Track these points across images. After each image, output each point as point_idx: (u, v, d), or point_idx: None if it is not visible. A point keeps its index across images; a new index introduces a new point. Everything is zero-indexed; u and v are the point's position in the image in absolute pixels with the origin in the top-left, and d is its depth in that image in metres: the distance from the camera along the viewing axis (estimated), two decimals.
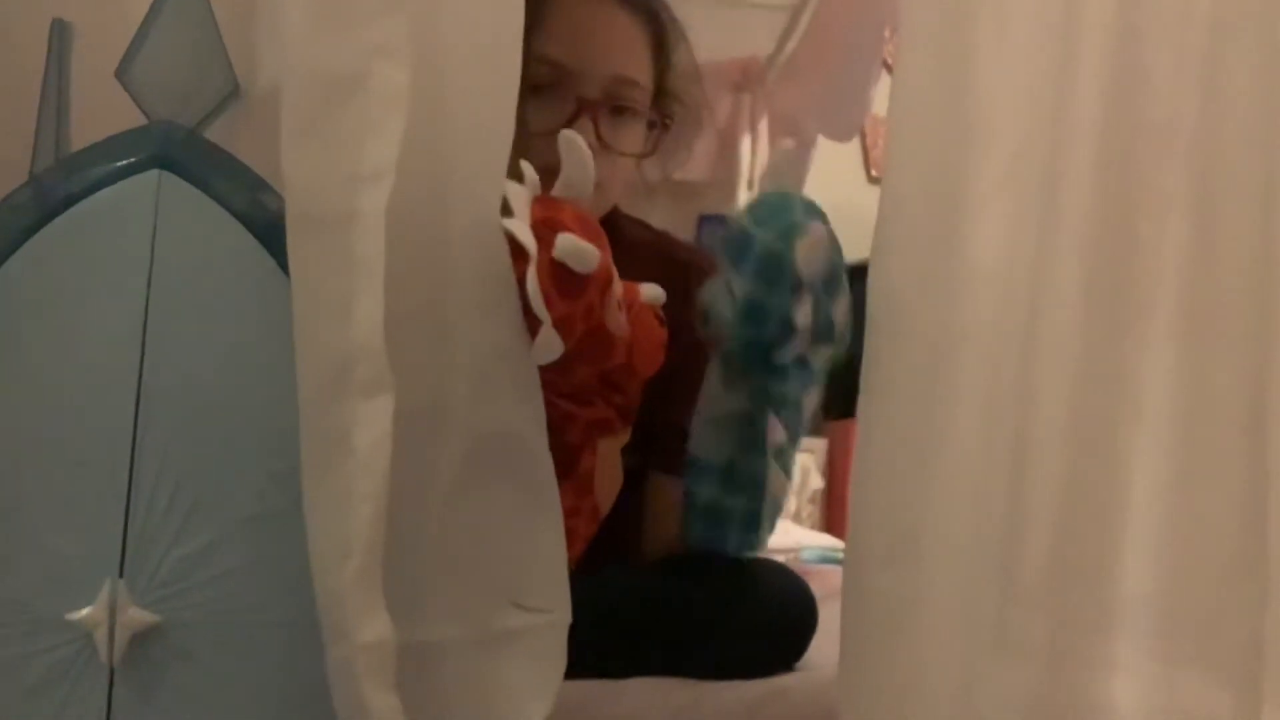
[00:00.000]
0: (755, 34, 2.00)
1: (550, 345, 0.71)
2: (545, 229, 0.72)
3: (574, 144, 0.75)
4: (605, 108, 1.05)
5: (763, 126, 2.10)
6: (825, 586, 1.07)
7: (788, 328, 0.84)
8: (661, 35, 1.13)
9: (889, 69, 1.78)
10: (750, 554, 0.95)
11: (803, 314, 0.83)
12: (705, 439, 0.94)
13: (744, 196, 2.18)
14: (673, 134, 1.15)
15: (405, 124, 0.64)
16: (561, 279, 0.72)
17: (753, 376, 0.89)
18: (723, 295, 0.86)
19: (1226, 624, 0.70)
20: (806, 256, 0.83)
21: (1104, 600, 0.71)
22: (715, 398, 0.92)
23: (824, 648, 0.98)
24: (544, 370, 0.73)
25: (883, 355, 0.74)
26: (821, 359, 0.88)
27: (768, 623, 0.96)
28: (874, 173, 3.10)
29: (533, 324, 0.71)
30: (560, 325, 0.71)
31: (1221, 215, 0.72)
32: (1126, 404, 0.71)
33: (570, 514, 0.78)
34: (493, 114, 0.70)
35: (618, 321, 0.78)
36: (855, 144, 2.99)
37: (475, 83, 0.69)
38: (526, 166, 0.75)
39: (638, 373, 0.85)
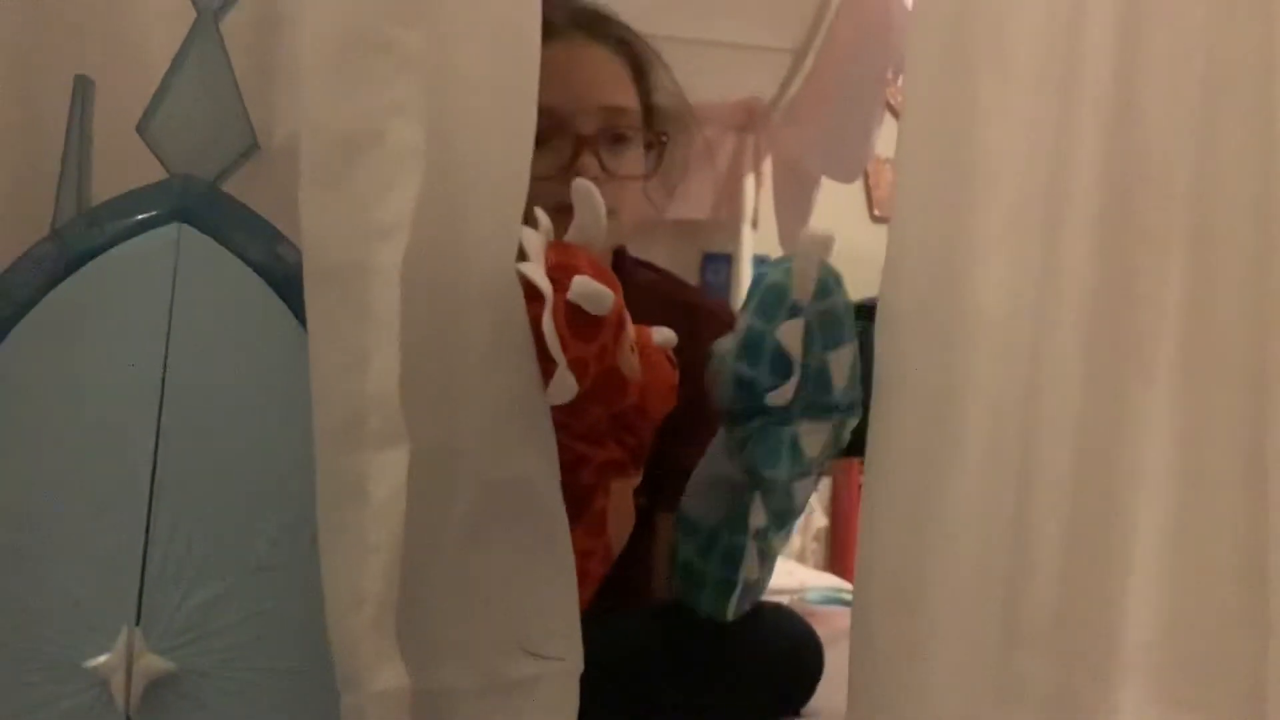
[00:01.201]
0: (758, 75, 2.03)
1: (565, 386, 0.73)
2: (560, 273, 0.74)
3: (587, 192, 0.77)
4: (603, 140, 1.10)
5: (766, 167, 2.12)
6: (830, 629, 1.07)
7: (782, 359, 0.81)
8: (637, 60, 1.18)
9: (893, 111, 1.80)
10: (720, 619, 0.92)
11: (792, 339, 0.80)
12: (696, 499, 0.93)
13: (747, 236, 2.20)
14: (669, 150, 1.20)
15: (420, 180, 0.65)
16: (576, 321, 0.73)
17: (743, 430, 0.86)
18: (729, 339, 0.86)
19: (1229, 669, 0.71)
20: (799, 280, 0.81)
21: (1107, 646, 0.71)
22: (715, 462, 0.91)
23: (829, 692, 0.98)
24: (557, 412, 0.74)
25: (890, 404, 0.75)
26: (817, 441, 0.84)
27: (775, 669, 0.96)
28: (877, 213, 3.12)
29: (547, 366, 0.73)
30: (574, 366, 0.73)
31: (1219, 259, 0.73)
32: (1127, 450, 0.72)
33: (583, 555, 0.79)
34: (507, 165, 0.72)
35: (630, 364, 0.80)
36: (859, 185, 3.01)
37: (490, 135, 0.71)
38: (540, 214, 0.77)
39: (650, 414, 0.86)
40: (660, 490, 1.05)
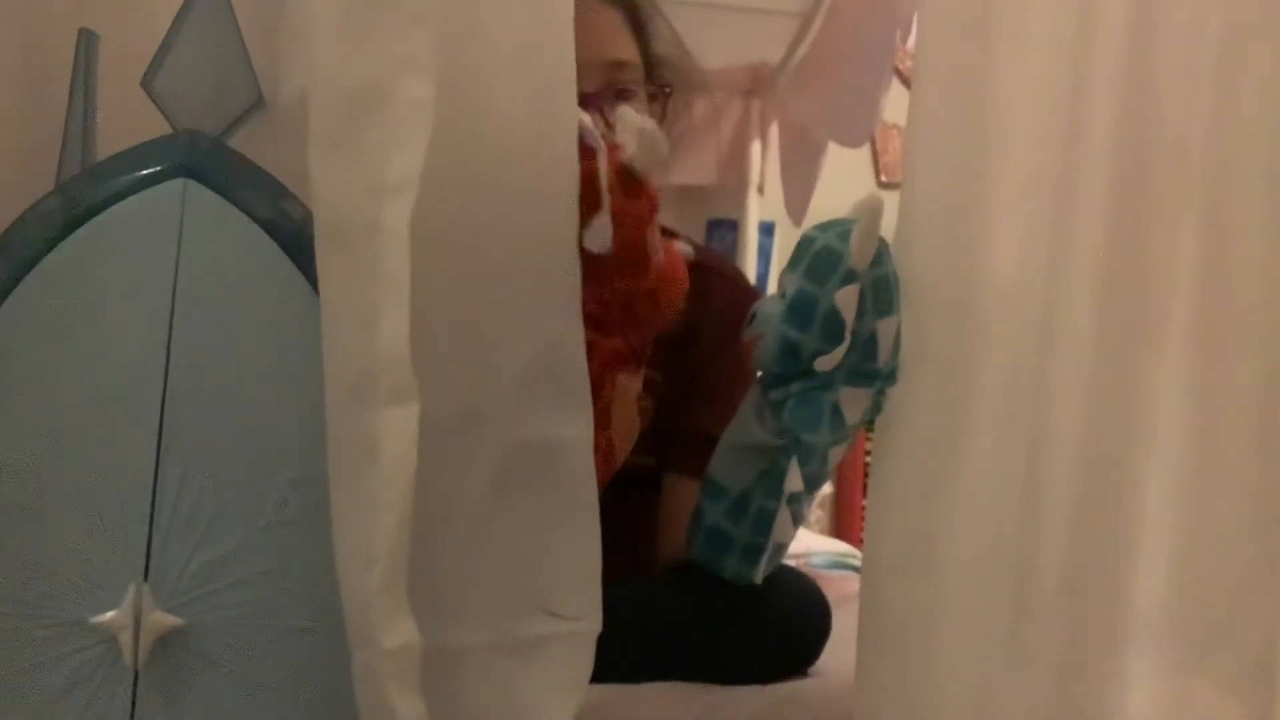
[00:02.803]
0: (765, 40, 2.01)
1: (603, 233, 0.75)
2: (610, 143, 0.78)
3: (636, 124, 0.80)
4: (607, 95, 1.08)
5: (772, 132, 2.11)
6: (836, 592, 1.08)
7: (834, 324, 0.80)
8: (635, 13, 1.16)
9: (900, 76, 1.79)
10: (745, 582, 0.93)
11: (848, 304, 0.79)
12: (725, 464, 0.93)
13: (753, 201, 2.19)
14: (674, 99, 1.18)
15: (430, 136, 0.64)
16: (623, 180, 0.77)
17: (782, 392, 0.85)
18: (774, 302, 0.85)
19: (1238, 634, 0.71)
20: (861, 246, 0.79)
21: (1117, 611, 0.72)
22: (745, 425, 0.91)
23: (837, 653, 0.98)
24: None
25: (901, 371, 0.75)
26: (858, 408, 0.83)
27: (784, 628, 0.96)
28: (884, 178, 3.10)
29: (587, 216, 0.75)
30: (615, 218, 0.75)
31: (1232, 229, 0.73)
32: (1139, 417, 0.72)
33: None
34: (548, 115, 0.71)
35: (656, 245, 0.82)
36: (866, 150, 3.00)
37: (522, 85, 0.70)
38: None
39: (660, 304, 0.86)
40: (669, 451, 1.05)
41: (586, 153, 0.76)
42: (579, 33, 1.09)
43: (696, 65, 1.27)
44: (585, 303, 0.75)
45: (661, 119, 1.16)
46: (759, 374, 0.88)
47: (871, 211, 0.79)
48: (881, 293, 0.80)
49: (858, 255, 0.79)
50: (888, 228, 0.81)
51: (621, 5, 1.15)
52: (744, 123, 2.12)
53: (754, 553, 0.92)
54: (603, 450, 0.87)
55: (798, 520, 0.92)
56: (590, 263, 0.76)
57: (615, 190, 0.76)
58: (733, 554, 0.92)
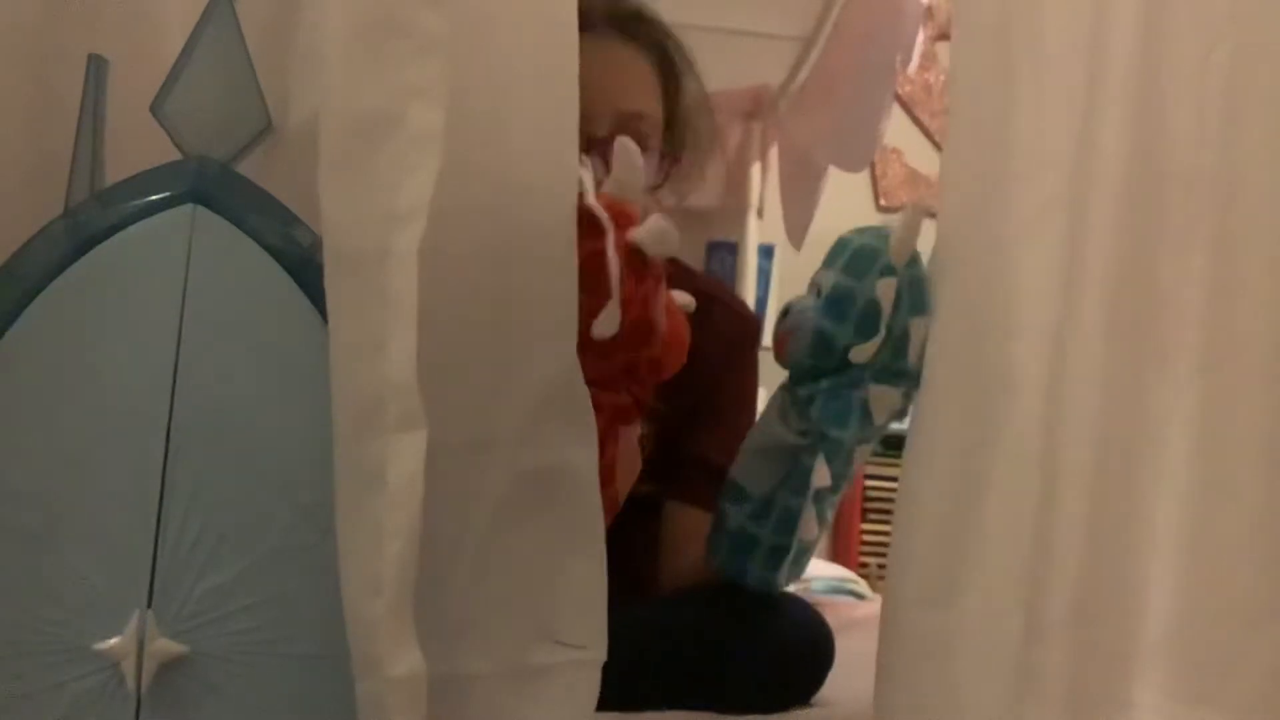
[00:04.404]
0: (767, 63, 2.02)
1: (612, 321, 0.75)
2: (615, 213, 0.77)
3: (627, 150, 0.79)
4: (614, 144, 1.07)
5: (772, 155, 2.11)
6: (837, 619, 1.08)
7: (870, 317, 0.82)
8: (669, 66, 1.15)
9: (900, 101, 1.79)
10: (767, 590, 0.94)
11: (886, 295, 0.81)
12: (749, 467, 0.94)
13: (753, 224, 2.19)
14: (685, 161, 1.17)
15: (440, 164, 0.65)
16: (632, 261, 0.77)
17: (810, 389, 0.87)
18: (807, 298, 0.87)
19: (1246, 664, 0.71)
20: (901, 243, 0.83)
21: (1125, 639, 0.72)
22: (769, 427, 0.92)
23: (837, 681, 0.98)
24: (579, 354, 0.75)
25: (929, 398, 0.75)
26: (885, 407, 0.85)
27: (787, 657, 0.96)
28: (883, 203, 3.11)
29: (596, 301, 0.75)
30: (624, 304, 0.75)
31: (1241, 249, 0.74)
32: (1148, 443, 0.73)
33: None
34: (552, 150, 0.72)
35: (661, 315, 0.82)
36: (865, 174, 3.01)
37: (529, 114, 0.70)
38: (584, 160, 0.77)
39: (662, 369, 0.87)
40: (670, 479, 1.04)
41: (594, 230, 0.75)
42: (604, 77, 1.09)
43: (718, 128, 1.26)
44: (588, 369, 0.75)
45: (664, 180, 1.15)
46: (786, 373, 0.89)
47: (915, 212, 0.83)
48: (916, 292, 0.83)
49: (897, 252, 0.82)
50: None
51: (655, 57, 1.14)
52: (745, 145, 2.13)
53: (778, 556, 0.93)
54: (607, 505, 0.87)
55: (822, 522, 0.93)
56: (596, 340, 0.76)
57: (625, 279, 0.76)
58: (756, 557, 0.93)
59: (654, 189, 1.14)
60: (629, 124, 1.08)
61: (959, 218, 0.78)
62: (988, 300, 0.75)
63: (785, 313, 0.89)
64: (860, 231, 0.85)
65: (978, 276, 0.76)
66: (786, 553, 0.92)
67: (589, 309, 0.75)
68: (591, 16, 1.07)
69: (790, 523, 0.91)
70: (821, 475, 0.88)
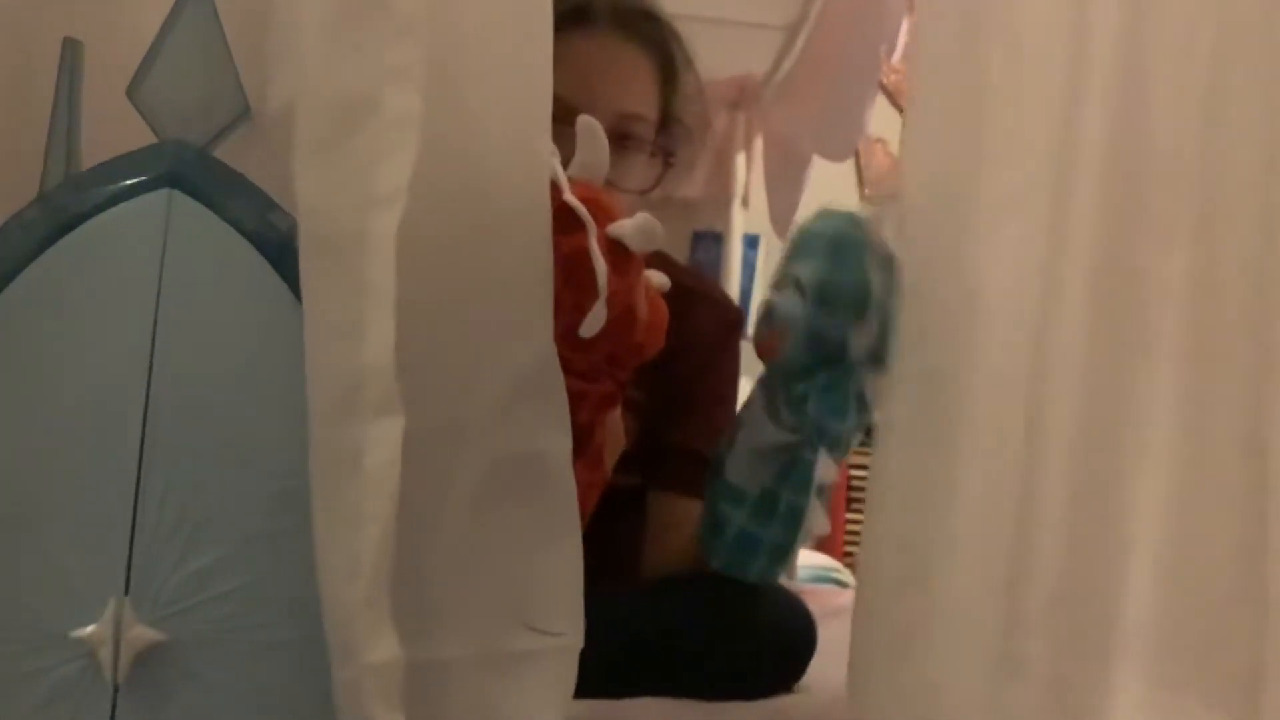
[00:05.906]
0: (751, 53, 2.01)
1: (599, 319, 0.74)
2: (593, 207, 0.75)
3: (591, 130, 0.78)
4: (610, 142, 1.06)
5: (757, 144, 2.11)
6: (820, 606, 1.08)
7: (861, 305, 0.82)
8: (669, 65, 1.14)
9: (884, 90, 1.79)
10: (767, 583, 0.93)
11: (878, 281, 0.81)
12: (740, 468, 0.93)
13: (738, 214, 2.19)
14: (678, 161, 1.16)
15: (418, 147, 0.64)
16: (615, 255, 0.75)
17: (804, 385, 0.86)
18: (789, 296, 0.86)
19: (1225, 650, 0.71)
20: (877, 230, 0.83)
21: (1104, 626, 0.71)
22: (758, 427, 0.91)
23: (822, 668, 0.98)
24: (561, 348, 0.74)
25: (895, 384, 0.75)
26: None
27: (770, 644, 0.96)
28: (868, 191, 3.12)
29: (582, 299, 0.74)
30: (610, 300, 0.74)
31: (1223, 244, 0.73)
32: (1129, 433, 0.72)
33: (583, 489, 0.79)
34: (524, 135, 0.71)
35: (642, 304, 0.81)
36: (849, 163, 3.01)
37: (505, 97, 0.70)
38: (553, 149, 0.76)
39: (645, 354, 0.86)
40: (654, 468, 1.04)
41: (575, 225, 0.74)
42: (605, 77, 1.07)
43: (710, 128, 1.25)
44: (572, 362, 0.74)
45: (656, 181, 1.14)
46: (768, 372, 0.89)
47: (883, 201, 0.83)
48: (893, 276, 0.82)
49: (877, 239, 0.82)
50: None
51: (656, 54, 1.12)
52: (729, 135, 2.12)
53: (781, 553, 0.93)
54: (598, 486, 0.87)
55: (825, 511, 0.93)
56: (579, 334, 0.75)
57: (610, 277, 0.75)
58: (759, 557, 0.93)
59: (646, 192, 1.13)
60: (625, 124, 1.07)
61: (923, 201, 0.77)
62: (955, 286, 0.74)
63: (768, 312, 0.87)
64: (824, 218, 0.84)
65: (944, 261, 0.75)
66: (789, 550, 0.92)
67: (574, 305, 0.74)
68: (595, 11, 1.06)
69: (796, 520, 0.91)
70: (827, 469, 0.87)
